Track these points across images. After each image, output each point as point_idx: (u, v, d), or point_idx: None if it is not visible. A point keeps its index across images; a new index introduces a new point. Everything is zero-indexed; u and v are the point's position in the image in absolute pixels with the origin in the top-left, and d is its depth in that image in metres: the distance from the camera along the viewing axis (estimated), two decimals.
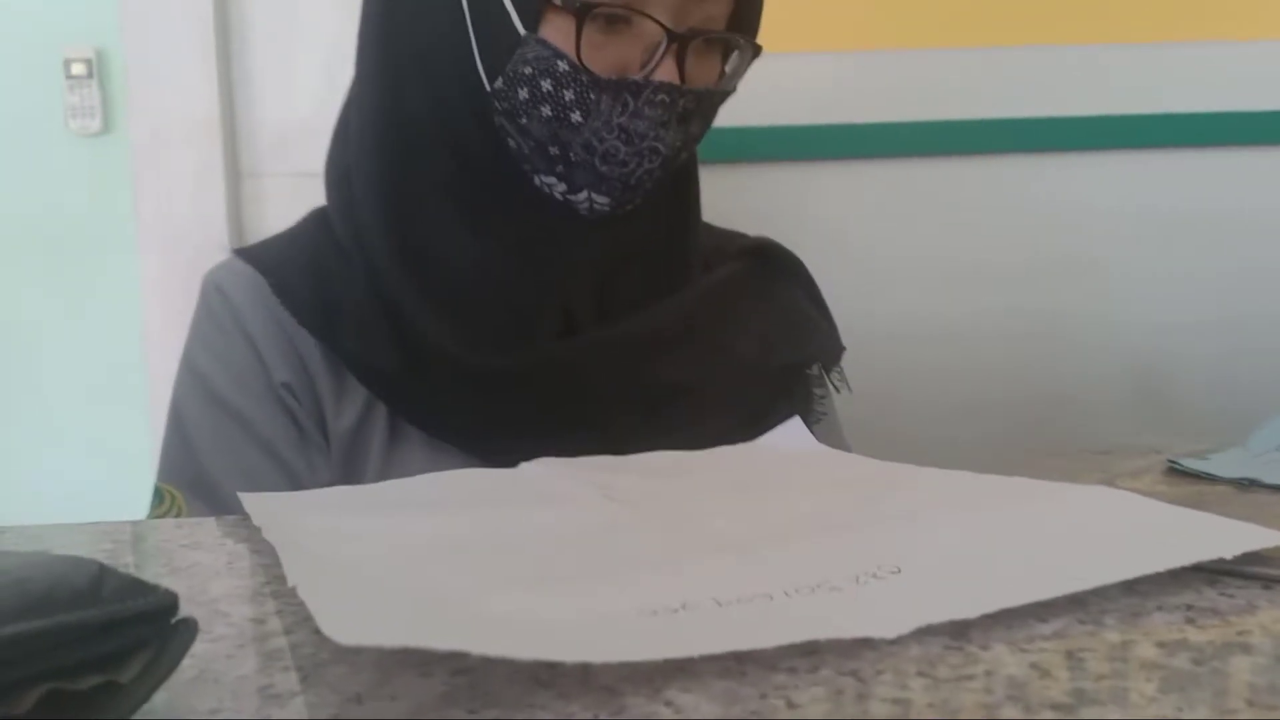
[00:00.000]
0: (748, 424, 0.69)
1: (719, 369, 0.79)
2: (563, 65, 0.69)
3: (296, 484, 0.74)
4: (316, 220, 0.82)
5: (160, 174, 1.61)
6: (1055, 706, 0.30)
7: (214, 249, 1.63)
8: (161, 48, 1.60)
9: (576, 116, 0.70)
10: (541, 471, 0.61)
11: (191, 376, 0.79)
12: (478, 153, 0.74)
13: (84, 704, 0.28)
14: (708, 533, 0.48)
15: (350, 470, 0.75)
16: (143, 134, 1.61)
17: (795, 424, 0.67)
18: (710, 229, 0.89)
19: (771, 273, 0.89)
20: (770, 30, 0.81)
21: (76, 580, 0.30)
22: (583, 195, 0.73)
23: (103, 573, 0.31)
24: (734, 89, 0.77)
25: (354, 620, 0.33)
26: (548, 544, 0.48)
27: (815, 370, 0.85)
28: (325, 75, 1.64)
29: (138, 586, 0.31)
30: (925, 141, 1.60)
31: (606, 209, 0.74)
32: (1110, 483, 0.50)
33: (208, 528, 0.54)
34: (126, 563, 0.49)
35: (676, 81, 0.70)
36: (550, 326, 0.76)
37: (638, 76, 0.70)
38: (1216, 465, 0.54)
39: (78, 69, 1.60)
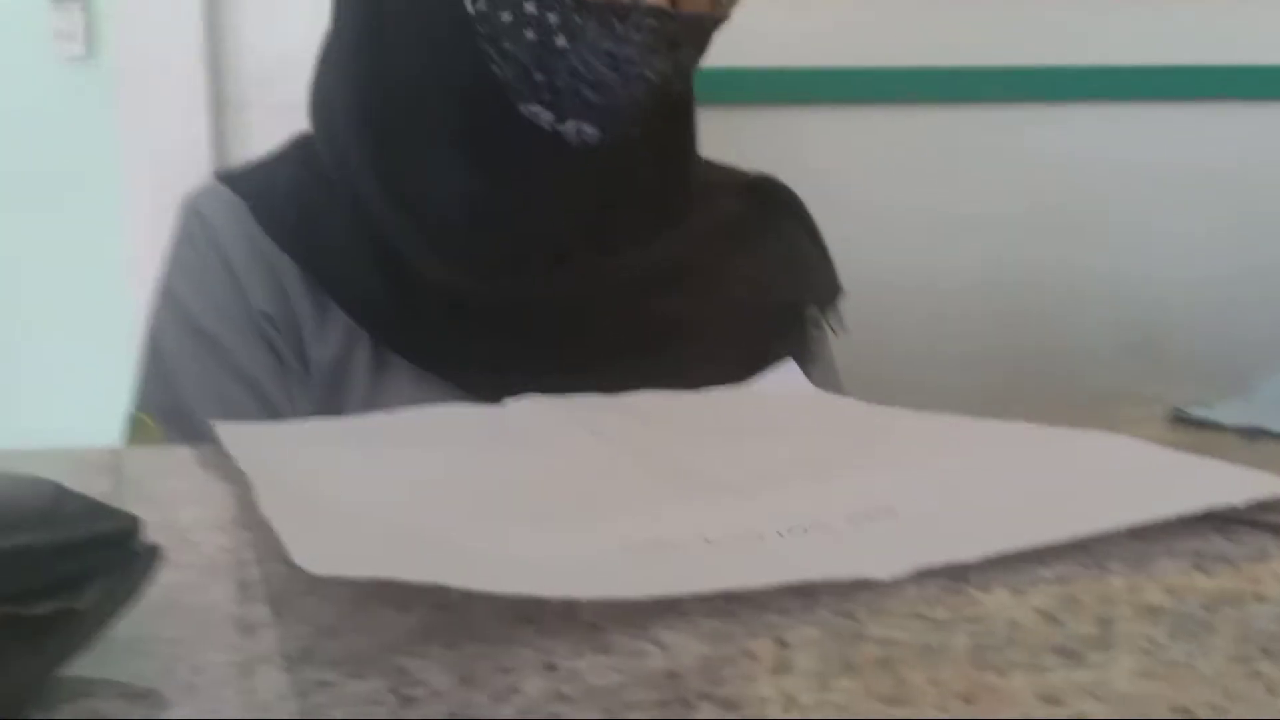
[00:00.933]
0: (744, 363, 0.68)
1: (715, 306, 0.78)
2: None
3: (274, 414, 0.73)
4: (300, 145, 0.80)
5: (144, 101, 1.58)
6: (1058, 650, 0.29)
7: (199, 178, 1.60)
8: None
9: (561, 41, 0.68)
10: (528, 408, 0.59)
11: (168, 303, 0.77)
12: (461, 80, 0.72)
13: (40, 630, 0.27)
14: (697, 473, 0.46)
15: (333, 402, 0.73)
16: (127, 60, 1.57)
17: (789, 366, 0.66)
18: (708, 165, 0.87)
19: (771, 210, 0.87)
20: None
21: (32, 500, 0.29)
22: (570, 125, 0.71)
23: (60, 494, 0.29)
24: (728, 16, 0.74)
25: (327, 551, 0.32)
26: (533, 481, 0.46)
27: (813, 310, 0.84)
28: (313, 6, 1.61)
29: (98, 509, 0.30)
30: (925, 88, 1.58)
31: (595, 140, 0.72)
32: (1114, 429, 0.48)
33: (180, 456, 0.53)
34: (98, 490, 0.47)
35: (665, 5, 0.68)
36: (542, 259, 0.74)
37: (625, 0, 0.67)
38: (1222, 413, 0.53)
39: None
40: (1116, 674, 0.28)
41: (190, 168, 1.58)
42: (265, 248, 0.74)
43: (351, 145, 0.75)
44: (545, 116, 0.71)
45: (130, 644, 0.30)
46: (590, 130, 0.71)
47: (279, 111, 1.63)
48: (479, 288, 0.73)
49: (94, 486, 0.47)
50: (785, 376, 0.64)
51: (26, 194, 1.62)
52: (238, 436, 0.51)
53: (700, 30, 0.72)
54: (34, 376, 1.64)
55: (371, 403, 0.73)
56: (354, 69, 0.75)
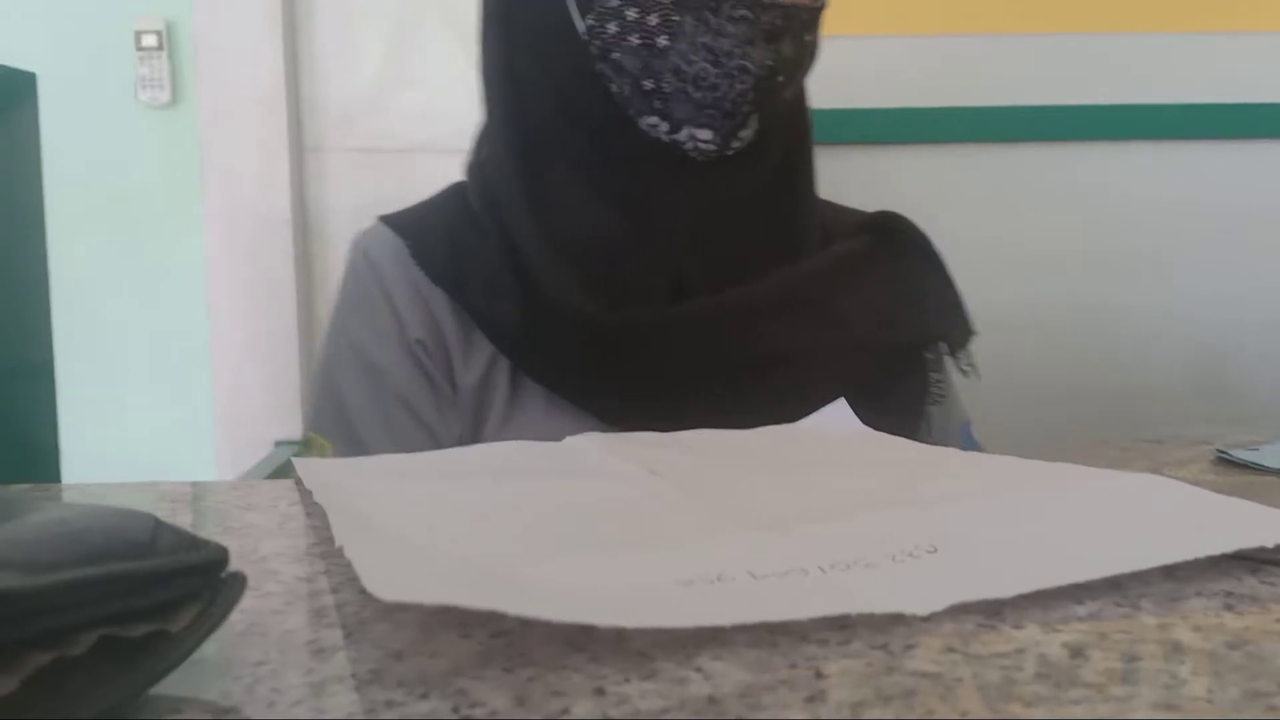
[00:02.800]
0: (858, 400, 0.68)
1: (828, 341, 0.79)
2: None
3: (431, 435, 0.79)
4: (454, 191, 0.87)
5: (225, 146, 1.64)
6: (1086, 685, 0.31)
7: (277, 221, 1.66)
8: (230, 22, 1.62)
9: (663, 40, 0.71)
10: (588, 446, 0.61)
11: (337, 334, 0.84)
12: (584, 107, 0.76)
13: (136, 651, 0.29)
14: (748, 509, 0.48)
15: (475, 423, 0.79)
16: (210, 107, 1.63)
17: (840, 405, 0.67)
18: (827, 204, 0.88)
19: (896, 247, 0.86)
20: (844, 13, 0.81)
21: (133, 533, 0.31)
22: (684, 134, 0.74)
23: (158, 526, 0.32)
24: (824, 4, 0.76)
25: (396, 579, 0.34)
26: (590, 515, 0.48)
27: (936, 352, 0.84)
28: (388, 52, 1.66)
29: (190, 541, 0.32)
30: (989, 128, 1.59)
31: (712, 147, 0.74)
32: (1157, 471, 0.49)
33: (261, 490, 0.56)
34: (183, 521, 0.50)
35: None
36: (661, 281, 0.78)
37: None
38: (1265, 456, 0.54)
39: (149, 41, 1.63)
40: (1138, 708, 0.29)
41: (269, 210, 1.63)
42: (419, 282, 0.80)
43: (501, 179, 0.80)
44: (661, 127, 0.74)
45: (216, 665, 0.33)
46: (704, 135, 0.73)
47: (355, 155, 1.69)
48: (607, 316, 0.76)
49: (181, 518, 0.50)
50: (836, 414, 0.66)
51: (114, 234, 1.68)
52: (314, 472, 0.54)
53: (798, 20, 0.74)
54: (117, 406, 1.70)
55: (507, 424, 0.78)
56: (500, 113, 0.80)
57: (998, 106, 1.59)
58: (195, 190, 1.65)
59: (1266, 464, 0.53)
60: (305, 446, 0.82)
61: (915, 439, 0.75)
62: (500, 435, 0.77)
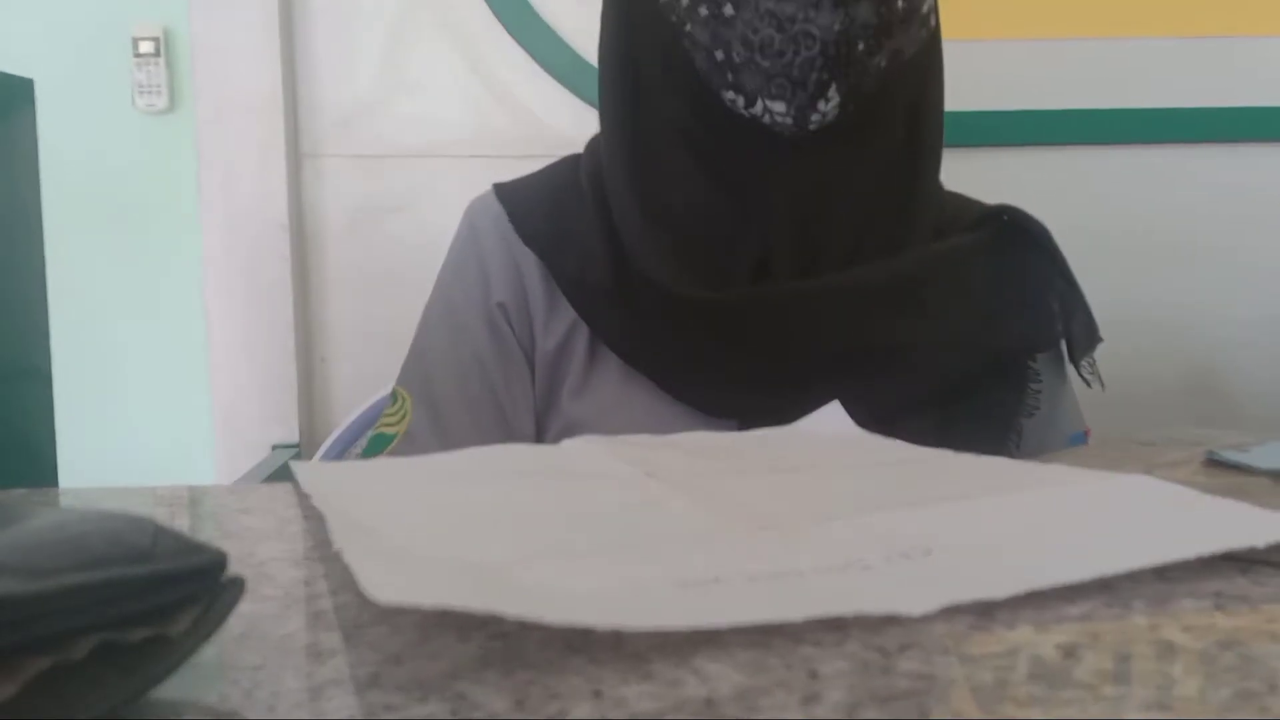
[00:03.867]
0: (944, 402, 0.67)
1: (920, 337, 0.76)
2: None
3: (492, 392, 0.81)
4: (565, 162, 0.89)
5: (223, 152, 1.64)
6: (1079, 686, 0.31)
7: (274, 226, 1.66)
8: (227, 27, 1.63)
9: (728, 9, 0.71)
10: (584, 448, 0.62)
11: (437, 289, 0.88)
12: (678, 83, 0.76)
13: (135, 655, 0.30)
14: (744, 510, 0.48)
15: (552, 385, 0.81)
16: (207, 112, 1.63)
17: (835, 408, 0.67)
18: (953, 195, 0.85)
19: (1015, 244, 0.82)
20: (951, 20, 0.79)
21: (132, 537, 0.31)
22: (759, 107, 0.73)
23: (157, 531, 0.32)
24: None
25: (394, 582, 0.34)
26: (587, 516, 0.48)
27: (1046, 356, 0.81)
28: (385, 58, 1.66)
29: (189, 546, 0.32)
30: (986, 132, 1.59)
31: (788, 120, 0.72)
32: (1149, 472, 0.50)
33: (259, 494, 0.56)
34: (181, 525, 0.51)
35: None
36: (747, 260, 0.77)
37: None
38: (1255, 457, 0.54)
39: (146, 47, 1.63)
40: (1129, 708, 0.29)
41: (267, 215, 1.64)
42: (514, 246, 0.83)
43: (608, 150, 0.81)
44: (739, 102, 0.73)
45: (215, 669, 0.33)
46: (778, 108, 0.72)
47: (352, 160, 1.69)
48: (689, 293, 0.76)
49: (178, 522, 0.50)
50: (830, 417, 0.66)
51: (111, 240, 1.68)
52: (312, 475, 0.54)
53: None
54: (114, 411, 1.70)
55: (582, 391, 0.79)
56: (607, 79, 0.82)
57: (994, 111, 1.59)
58: (193, 196, 1.65)
59: (1257, 465, 0.53)
60: (391, 401, 0.85)
61: (1001, 451, 0.73)
62: (575, 402, 0.79)
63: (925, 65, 0.78)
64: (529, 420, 0.81)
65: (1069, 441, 0.82)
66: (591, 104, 1.41)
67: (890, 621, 0.35)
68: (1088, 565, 0.38)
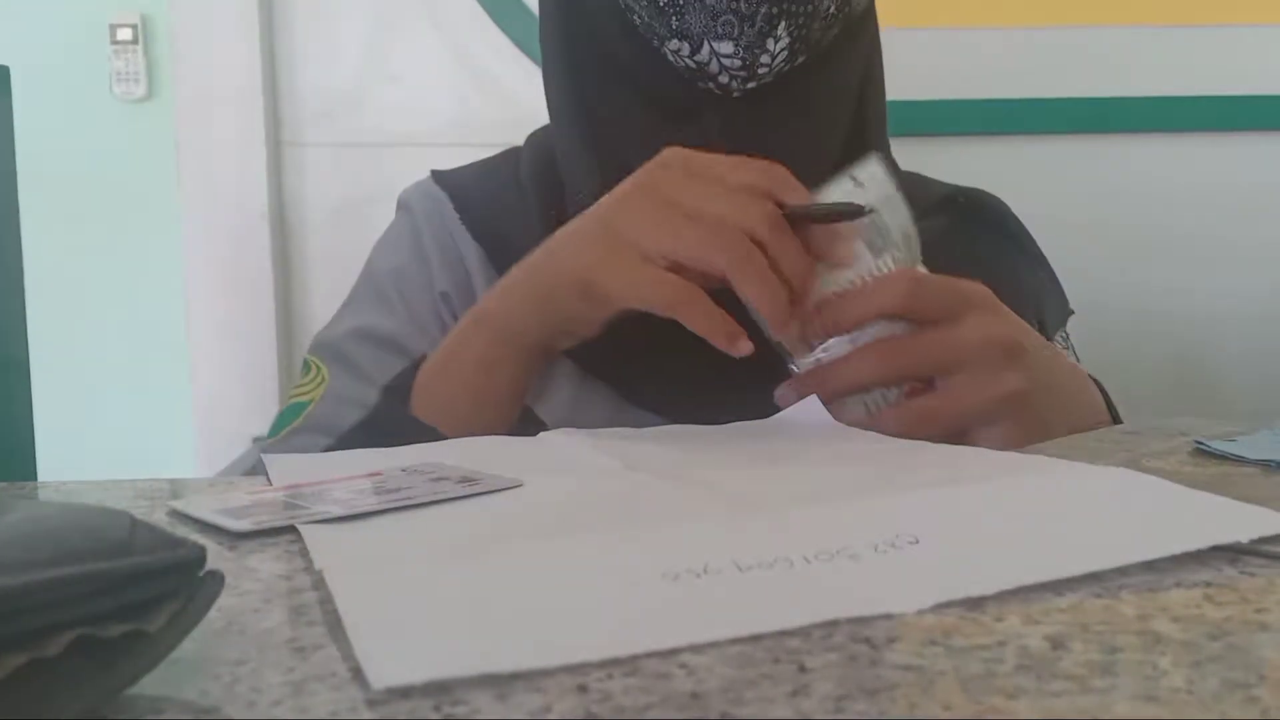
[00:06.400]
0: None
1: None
2: None
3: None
4: (505, 155, 0.88)
5: (202, 141, 1.63)
6: (1067, 677, 0.31)
7: (254, 216, 1.65)
8: (206, 15, 1.61)
9: None
10: (562, 441, 0.61)
11: (362, 281, 0.86)
12: (629, 57, 0.76)
13: (112, 650, 0.29)
14: (728, 497, 0.48)
15: None
16: (186, 101, 1.62)
17: (812, 401, 0.66)
18: (910, 175, 0.83)
19: (979, 229, 0.81)
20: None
21: (109, 532, 0.31)
22: (706, 52, 0.71)
23: (134, 525, 0.32)
24: None
25: (392, 662, 0.31)
26: (569, 510, 0.48)
27: None
28: (366, 46, 1.65)
29: (167, 539, 0.32)
30: (977, 120, 1.59)
31: (737, 62, 0.71)
32: (1136, 463, 0.50)
33: (238, 490, 0.55)
34: (160, 520, 0.50)
35: None
36: None
37: None
38: (1243, 447, 0.54)
39: (123, 35, 1.62)
40: (1118, 699, 0.29)
41: (247, 204, 1.63)
42: (457, 234, 0.82)
43: (568, 135, 0.80)
44: (683, 51, 0.72)
45: (195, 664, 0.32)
46: (725, 50, 0.70)
47: (333, 149, 1.68)
48: None
49: (158, 516, 0.50)
50: (808, 409, 0.65)
51: (90, 229, 1.67)
52: (285, 467, 0.54)
53: None
54: (93, 403, 1.69)
55: (539, 394, 0.77)
56: (551, 66, 0.81)
57: (985, 100, 1.59)
58: (172, 185, 1.64)
59: (1245, 455, 0.53)
60: (304, 370, 0.83)
61: None
62: (532, 405, 0.77)
63: (874, 32, 0.80)
64: None
65: None
66: None
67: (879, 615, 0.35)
68: (1076, 560, 0.38)
